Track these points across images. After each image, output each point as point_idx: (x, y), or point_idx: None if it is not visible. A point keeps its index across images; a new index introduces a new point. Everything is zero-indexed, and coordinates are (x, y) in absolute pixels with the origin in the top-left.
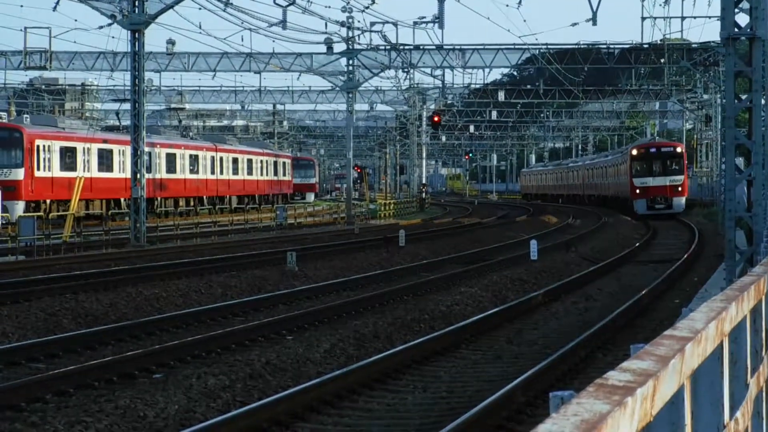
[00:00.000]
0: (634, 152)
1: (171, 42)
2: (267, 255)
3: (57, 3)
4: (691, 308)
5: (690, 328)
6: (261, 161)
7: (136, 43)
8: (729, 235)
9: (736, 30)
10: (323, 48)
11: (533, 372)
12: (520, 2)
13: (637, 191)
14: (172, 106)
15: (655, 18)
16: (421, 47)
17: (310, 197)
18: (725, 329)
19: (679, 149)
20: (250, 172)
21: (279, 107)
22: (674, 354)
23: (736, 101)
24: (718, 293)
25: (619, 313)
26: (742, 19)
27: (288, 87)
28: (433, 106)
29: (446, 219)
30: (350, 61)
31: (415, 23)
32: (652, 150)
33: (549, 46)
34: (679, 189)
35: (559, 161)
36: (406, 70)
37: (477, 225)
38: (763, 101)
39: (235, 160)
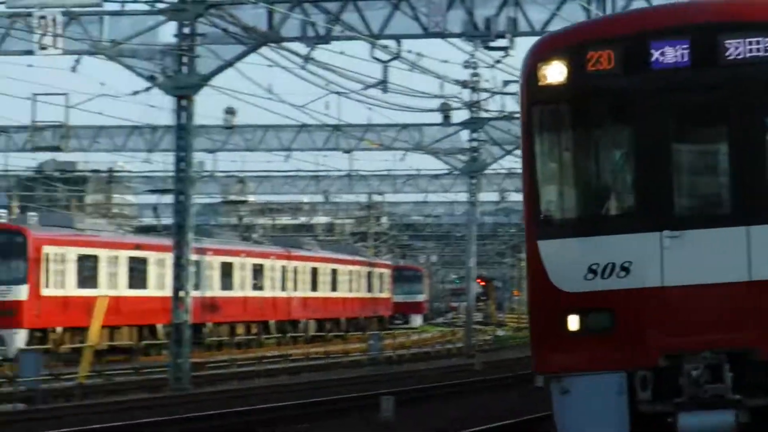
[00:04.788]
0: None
1: (230, 111)
2: (353, 400)
3: (77, 61)
4: None
5: None
6: (350, 272)
7: (183, 114)
8: None
9: None
10: (437, 117)
11: None
12: None
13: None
14: (231, 198)
15: None
16: None
17: (416, 321)
18: None
19: None
20: (334, 288)
21: (376, 198)
22: None
23: None
24: None
25: None
26: None
27: (388, 171)
28: None
29: None
30: (474, 134)
31: None
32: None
33: None
34: None
35: None
36: None
37: None
38: None
39: (314, 271)
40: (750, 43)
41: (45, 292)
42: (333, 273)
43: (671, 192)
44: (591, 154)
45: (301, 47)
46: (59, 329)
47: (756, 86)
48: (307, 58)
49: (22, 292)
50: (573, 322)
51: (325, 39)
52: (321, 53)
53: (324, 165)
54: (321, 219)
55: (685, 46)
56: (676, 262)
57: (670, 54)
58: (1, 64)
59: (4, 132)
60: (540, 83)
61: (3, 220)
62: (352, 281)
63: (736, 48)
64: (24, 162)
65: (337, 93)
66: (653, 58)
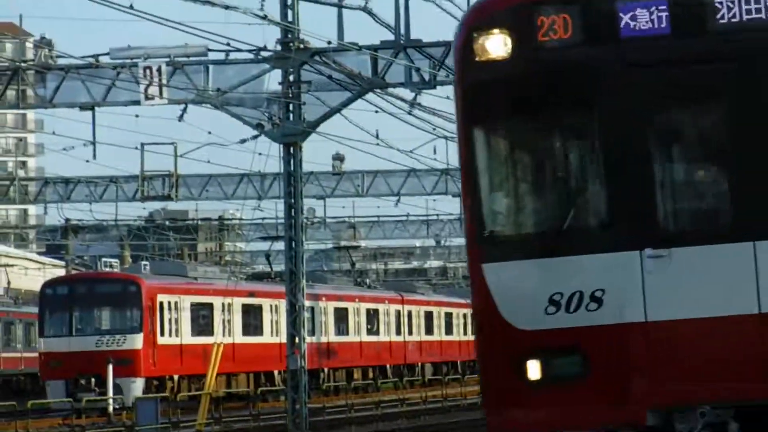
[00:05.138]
0: None
1: (339, 158)
2: None
3: (183, 111)
4: None
5: None
6: (465, 315)
7: (292, 161)
8: None
9: None
10: None
11: None
12: None
13: None
14: (342, 243)
15: None
16: None
17: None
18: None
19: None
20: (449, 331)
21: None
22: None
23: None
24: None
25: None
26: None
27: None
28: None
29: None
30: None
31: None
32: None
33: None
34: None
35: None
36: None
37: None
38: None
39: (428, 315)
40: (747, 2)
41: (161, 340)
42: (448, 316)
43: (653, 198)
44: (546, 151)
45: (406, 92)
46: (176, 377)
47: (756, 59)
48: (412, 104)
49: (137, 341)
50: (533, 369)
51: (430, 84)
52: (426, 98)
53: (434, 209)
54: (433, 263)
55: (662, 8)
56: (663, 289)
57: (644, 18)
58: (108, 115)
59: (114, 182)
60: (477, 59)
61: (116, 270)
62: (467, 324)
63: (729, 9)
64: (134, 211)
65: (444, 138)
66: (622, 24)
